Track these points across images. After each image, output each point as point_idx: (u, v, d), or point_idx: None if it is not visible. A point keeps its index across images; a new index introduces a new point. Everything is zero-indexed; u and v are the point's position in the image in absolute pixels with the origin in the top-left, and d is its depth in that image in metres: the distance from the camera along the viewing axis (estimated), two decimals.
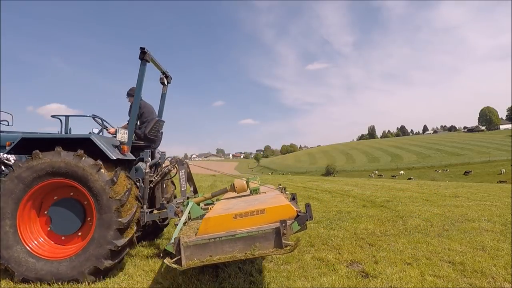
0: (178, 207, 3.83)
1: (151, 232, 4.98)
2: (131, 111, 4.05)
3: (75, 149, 3.34)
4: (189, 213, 3.37)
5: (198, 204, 3.99)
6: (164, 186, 4.84)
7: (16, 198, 3.26)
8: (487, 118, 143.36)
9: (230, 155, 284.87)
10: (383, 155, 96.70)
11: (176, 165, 4.21)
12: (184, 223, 3.10)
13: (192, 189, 4.73)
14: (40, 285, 3.20)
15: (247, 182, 3.85)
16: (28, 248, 3.28)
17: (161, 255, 4.02)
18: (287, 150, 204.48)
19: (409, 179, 41.60)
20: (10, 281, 3.24)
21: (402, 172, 64.07)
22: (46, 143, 3.42)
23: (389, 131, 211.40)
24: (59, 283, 3.20)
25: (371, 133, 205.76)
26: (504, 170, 51.81)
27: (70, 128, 4.22)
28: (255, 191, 3.76)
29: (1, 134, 4.56)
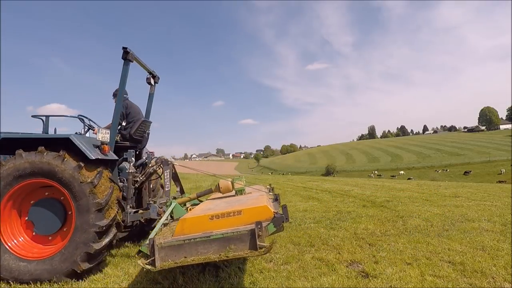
0: (161, 207, 3.84)
1: (140, 231, 4.98)
2: (114, 111, 4.05)
3: (56, 149, 3.39)
4: (172, 213, 3.38)
5: (185, 205, 4.01)
6: (151, 186, 4.85)
7: None
8: (487, 118, 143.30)
9: (230, 155, 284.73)
10: (383, 155, 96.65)
11: (161, 165, 4.23)
12: (166, 224, 3.12)
13: (178, 189, 4.73)
14: (40, 285, 3.21)
15: (232, 183, 3.86)
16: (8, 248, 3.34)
17: (136, 256, 4.03)
18: (287, 150, 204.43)
19: (409, 179, 41.58)
20: (11, 282, 3.25)
21: (402, 172, 64.02)
22: (26, 143, 3.46)
23: (389, 131, 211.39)
24: (59, 283, 3.21)
25: (371, 133, 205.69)
26: (504, 170, 51.79)
27: (55, 129, 4.21)
28: (240, 192, 3.78)
29: None
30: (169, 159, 4.31)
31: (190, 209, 3.45)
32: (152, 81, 4.96)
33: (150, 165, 4.37)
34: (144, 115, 5.08)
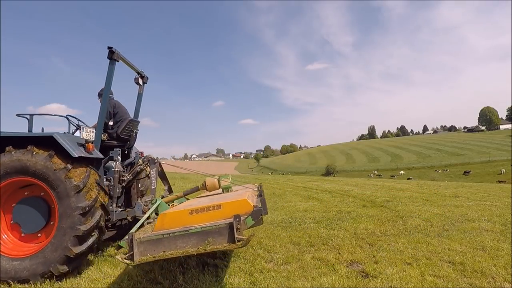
0: (146, 205, 3.86)
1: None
2: (100, 111, 4.09)
3: (40, 147, 3.42)
4: (157, 211, 3.41)
5: (173, 203, 4.03)
6: (139, 186, 4.87)
7: None
8: (487, 118, 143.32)
9: (230, 155, 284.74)
10: (383, 155, 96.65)
11: (148, 164, 4.25)
12: (149, 222, 3.14)
13: (166, 188, 4.76)
14: (40, 285, 3.21)
15: (219, 181, 3.89)
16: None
17: (116, 251, 4.06)
18: (287, 150, 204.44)
19: (409, 179, 41.58)
20: (11, 282, 3.25)
21: (402, 172, 64.02)
22: (9, 142, 3.49)
23: (389, 131, 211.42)
24: (58, 282, 3.21)
25: (371, 133, 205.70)
26: (504, 170, 51.80)
27: (42, 128, 4.23)
28: (226, 189, 3.81)
29: None
30: (156, 158, 4.35)
31: (171, 206, 3.50)
32: (141, 81, 5.00)
33: (137, 164, 4.41)
34: (133, 115, 5.13)
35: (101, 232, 3.67)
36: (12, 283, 3.23)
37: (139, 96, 5.25)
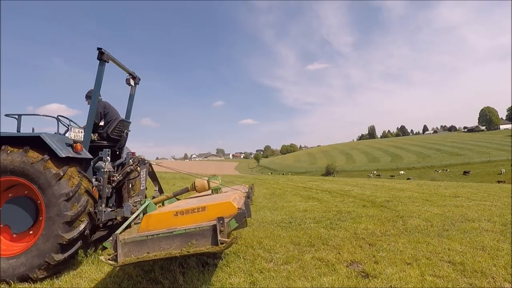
0: (135, 206, 3.87)
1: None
2: (89, 111, 4.11)
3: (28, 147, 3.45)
4: (146, 211, 3.42)
5: (163, 204, 4.04)
6: (130, 186, 4.89)
7: None
8: (487, 118, 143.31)
9: (230, 155, 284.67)
10: (383, 155, 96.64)
11: (138, 165, 4.26)
12: (137, 223, 3.15)
13: (156, 188, 4.77)
14: (40, 284, 3.21)
15: (208, 182, 3.89)
16: None
17: (100, 252, 4.07)
18: (287, 150, 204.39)
19: (408, 179, 41.59)
20: (10, 281, 3.25)
21: (402, 172, 64.00)
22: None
23: (389, 131, 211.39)
24: (58, 279, 3.21)
25: (371, 133, 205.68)
26: (504, 170, 51.79)
27: (33, 128, 4.27)
28: (216, 190, 3.82)
29: None
30: (146, 159, 4.37)
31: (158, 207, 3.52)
32: (132, 82, 5.00)
33: (127, 164, 4.42)
34: (125, 115, 5.16)
35: (92, 219, 3.68)
36: (12, 282, 3.23)
37: (131, 97, 5.26)
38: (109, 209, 4.06)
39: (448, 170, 60.82)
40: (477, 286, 2.89)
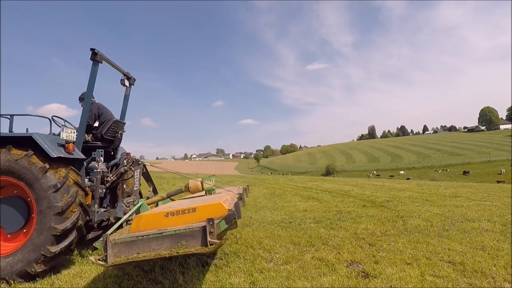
0: (128, 206, 3.87)
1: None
2: (82, 111, 4.11)
3: (20, 148, 3.45)
4: (139, 212, 3.42)
5: (157, 204, 4.05)
6: (125, 187, 4.89)
7: None
8: (487, 118, 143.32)
9: (230, 155, 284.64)
10: (383, 155, 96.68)
11: (132, 165, 4.27)
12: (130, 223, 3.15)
13: (151, 189, 4.77)
14: (40, 284, 3.21)
15: (202, 183, 3.90)
16: None
17: (91, 252, 4.07)
18: (287, 150, 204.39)
19: (408, 179, 41.62)
20: (10, 281, 3.25)
21: (402, 172, 64.05)
22: None
23: (389, 131, 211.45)
24: (58, 279, 3.21)
25: (371, 133, 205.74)
26: (504, 170, 51.83)
27: (27, 128, 4.28)
28: (209, 192, 3.82)
29: None
30: (140, 159, 4.38)
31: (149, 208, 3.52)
32: (127, 83, 4.98)
33: (121, 165, 4.43)
34: (119, 116, 5.16)
35: (84, 210, 3.68)
36: (12, 282, 3.23)
37: (126, 98, 5.25)
38: (103, 210, 4.06)
39: (448, 170, 60.87)
40: (477, 286, 2.89)
